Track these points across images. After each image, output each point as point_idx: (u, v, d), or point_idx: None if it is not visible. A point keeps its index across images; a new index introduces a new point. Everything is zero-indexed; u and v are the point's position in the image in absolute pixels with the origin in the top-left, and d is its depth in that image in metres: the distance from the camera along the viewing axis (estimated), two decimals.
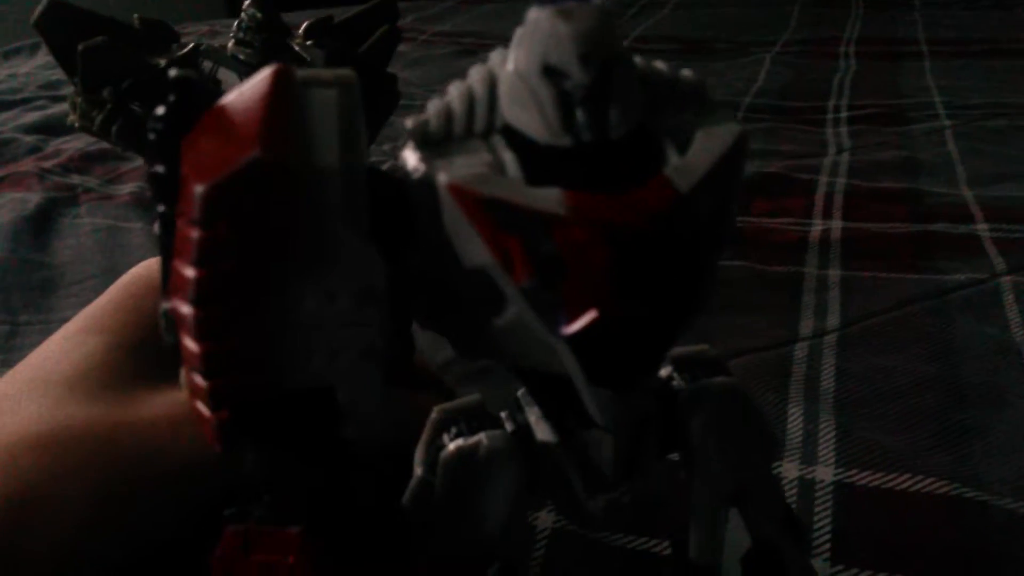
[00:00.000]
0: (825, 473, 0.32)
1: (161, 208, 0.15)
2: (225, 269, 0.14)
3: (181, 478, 0.25)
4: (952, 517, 0.30)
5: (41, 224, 0.54)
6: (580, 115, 0.14)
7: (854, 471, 0.32)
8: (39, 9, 0.26)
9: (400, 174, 0.16)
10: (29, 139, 0.68)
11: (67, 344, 0.28)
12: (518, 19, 0.15)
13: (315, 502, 0.16)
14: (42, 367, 0.28)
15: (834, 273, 0.46)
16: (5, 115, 0.74)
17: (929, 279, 0.45)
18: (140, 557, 0.26)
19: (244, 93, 0.14)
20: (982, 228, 0.50)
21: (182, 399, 0.27)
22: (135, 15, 0.28)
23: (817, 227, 0.51)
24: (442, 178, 0.15)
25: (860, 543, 0.29)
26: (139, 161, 0.62)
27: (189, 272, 0.14)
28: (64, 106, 0.74)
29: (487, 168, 0.15)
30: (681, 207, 0.14)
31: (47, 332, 0.44)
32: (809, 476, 0.32)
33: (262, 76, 0.14)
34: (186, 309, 0.14)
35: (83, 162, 0.63)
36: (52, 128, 0.70)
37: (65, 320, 0.45)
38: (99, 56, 0.22)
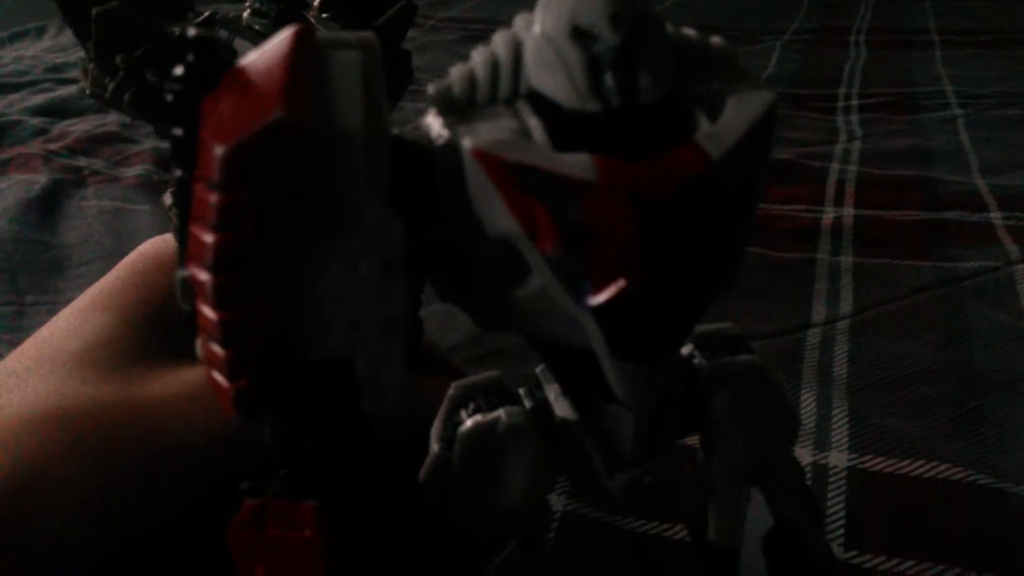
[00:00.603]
0: (839, 459, 0.32)
1: (179, 172, 0.14)
2: (244, 234, 0.13)
3: (188, 459, 0.25)
4: (967, 504, 0.29)
5: (48, 206, 0.54)
6: (609, 79, 0.14)
7: (868, 457, 0.32)
8: None
9: (423, 141, 0.15)
10: (35, 121, 0.67)
11: (74, 321, 0.28)
12: (525, 6, 0.15)
13: (332, 476, 0.16)
14: (49, 344, 0.27)
15: (846, 260, 0.45)
16: (11, 97, 0.74)
17: (942, 267, 0.44)
18: (146, 535, 0.26)
19: (265, 53, 0.14)
20: (996, 216, 0.49)
21: (190, 379, 0.27)
22: None
23: (829, 214, 0.50)
24: (467, 143, 0.14)
25: (874, 529, 0.28)
26: (146, 144, 0.61)
27: (207, 238, 0.14)
28: (70, 88, 0.73)
29: (513, 134, 0.14)
30: (712, 174, 0.14)
31: (54, 313, 0.43)
32: (823, 461, 0.32)
33: (283, 36, 0.14)
34: (204, 276, 0.14)
35: (89, 144, 0.62)
36: (58, 110, 0.69)
37: (72, 301, 0.45)
38: (114, 21, 0.22)
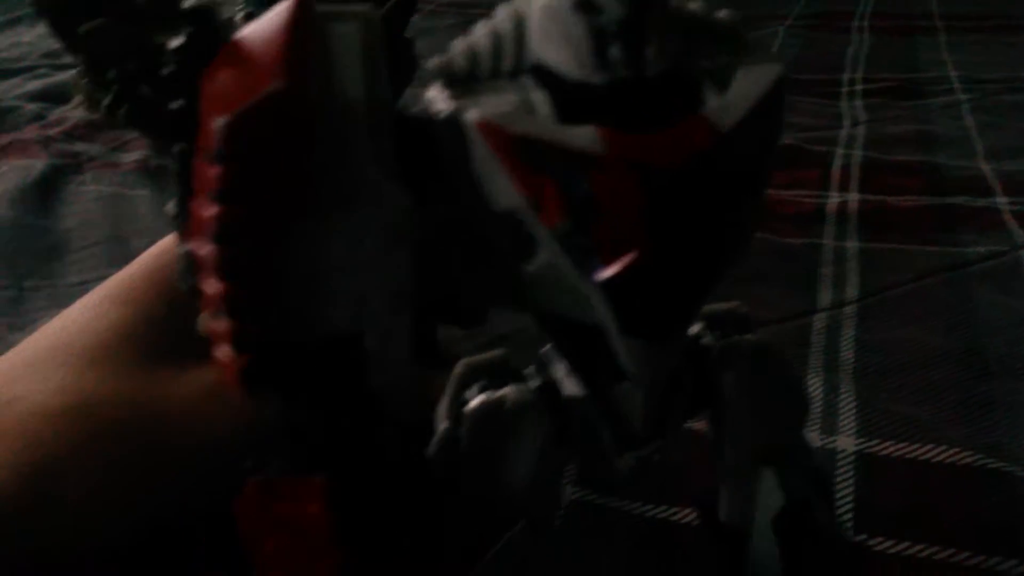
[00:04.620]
0: (846, 443, 0.32)
1: (178, 147, 0.14)
2: (246, 205, 0.13)
3: (204, 457, 0.25)
4: (975, 487, 0.29)
5: (46, 191, 0.54)
6: (615, 50, 0.14)
7: (876, 441, 0.31)
8: None
9: (425, 115, 0.15)
10: (32, 107, 0.67)
11: (91, 312, 0.27)
12: None
13: (338, 452, 0.16)
14: (64, 335, 0.27)
15: (852, 245, 0.45)
16: (7, 83, 0.73)
17: (949, 251, 0.44)
18: (160, 533, 0.26)
19: (263, 24, 0.14)
20: (1002, 201, 0.49)
21: (207, 378, 0.26)
22: None
23: (834, 199, 0.50)
24: (471, 116, 0.14)
25: (883, 512, 0.28)
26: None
27: (209, 210, 0.13)
28: (67, 74, 0.73)
29: (517, 106, 0.14)
30: (721, 146, 0.14)
31: (53, 297, 0.44)
32: (830, 446, 0.31)
33: (282, 7, 0.14)
34: (207, 249, 0.14)
35: (87, 130, 0.62)
36: (55, 96, 0.69)
37: (72, 286, 0.45)
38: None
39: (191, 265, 0.14)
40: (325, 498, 0.15)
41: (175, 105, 0.14)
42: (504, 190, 0.14)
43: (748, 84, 0.14)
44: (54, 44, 0.83)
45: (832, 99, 0.67)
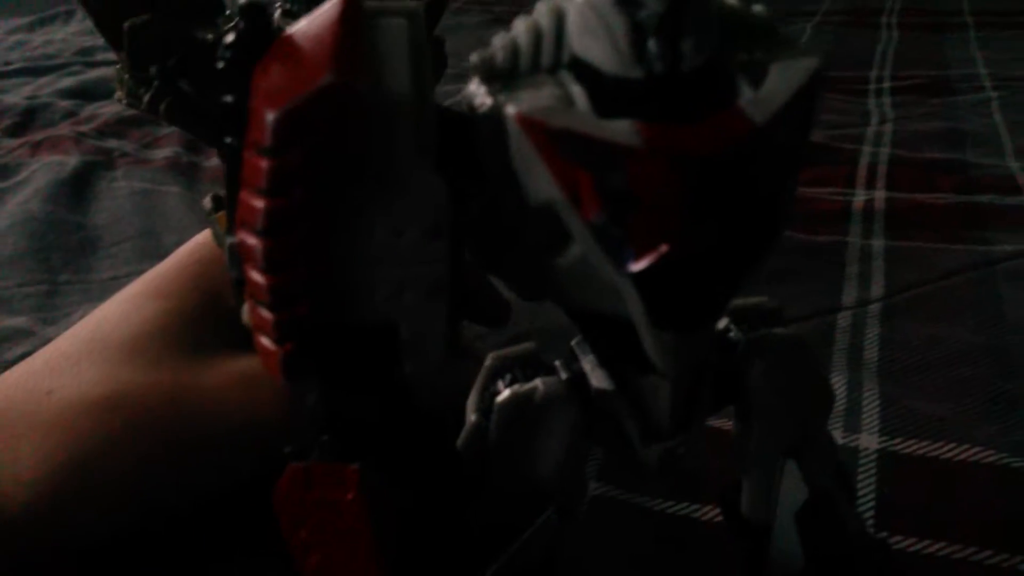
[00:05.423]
0: (869, 441, 0.32)
1: (229, 140, 0.15)
2: (294, 198, 0.14)
3: (237, 444, 0.25)
4: (999, 487, 0.29)
5: (79, 187, 0.55)
6: (653, 45, 0.14)
7: (899, 440, 0.31)
8: None
9: (465, 109, 0.15)
10: (65, 104, 0.68)
11: (127, 306, 0.28)
12: None
13: (373, 440, 0.16)
14: (101, 329, 0.27)
15: (878, 243, 0.45)
16: (41, 80, 0.74)
17: (976, 250, 0.44)
18: (192, 517, 0.26)
19: (313, 21, 0.14)
20: None
21: (239, 368, 0.27)
22: None
23: (860, 197, 0.50)
24: (511, 109, 0.14)
25: (905, 511, 0.28)
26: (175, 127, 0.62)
27: (257, 203, 0.14)
28: (99, 71, 0.74)
29: (557, 100, 0.14)
30: (757, 139, 0.14)
31: (87, 292, 0.45)
32: (853, 444, 0.31)
33: (330, 4, 0.14)
34: (253, 241, 0.14)
35: (119, 127, 0.63)
36: (87, 93, 0.70)
37: (104, 280, 0.46)
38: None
39: (238, 256, 0.15)
40: (361, 485, 0.15)
41: (227, 99, 0.14)
42: (541, 184, 0.14)
43: (783, 78, 0.15)
44: (86, 42, 0.84)
45: (860, 96, 0.67)
